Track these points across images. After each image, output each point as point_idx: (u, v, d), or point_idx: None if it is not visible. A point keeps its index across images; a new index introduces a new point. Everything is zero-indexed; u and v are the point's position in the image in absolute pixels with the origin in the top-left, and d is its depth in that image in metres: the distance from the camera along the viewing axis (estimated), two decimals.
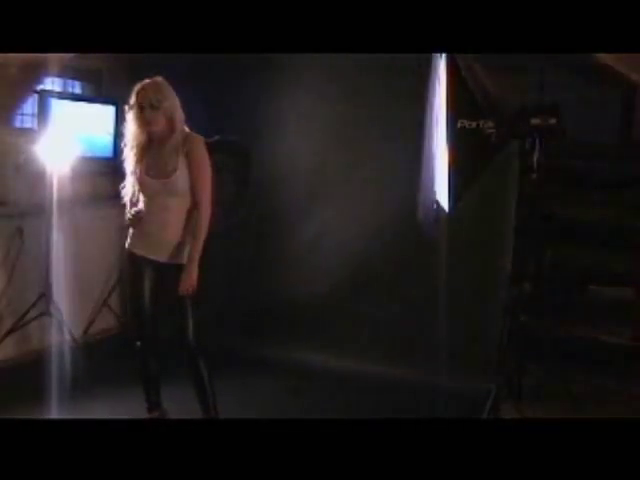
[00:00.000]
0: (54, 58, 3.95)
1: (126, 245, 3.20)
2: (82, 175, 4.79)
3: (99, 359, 4.54)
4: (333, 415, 3.54)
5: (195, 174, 3.03)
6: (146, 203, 3.09)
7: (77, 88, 5.04)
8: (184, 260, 3.05)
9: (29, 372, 4.16)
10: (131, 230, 3.18)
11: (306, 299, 4.50)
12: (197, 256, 3.02)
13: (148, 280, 3.15)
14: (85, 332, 4.76)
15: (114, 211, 4.91)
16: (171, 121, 3.02)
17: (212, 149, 3.13)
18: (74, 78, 4.92)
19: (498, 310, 3.77)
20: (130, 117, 3.06)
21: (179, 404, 3.34)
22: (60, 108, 4.42)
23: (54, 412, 3.42)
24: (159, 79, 3.06)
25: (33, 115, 4.51)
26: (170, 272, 3.07)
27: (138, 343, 3.27)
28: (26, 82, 4.06)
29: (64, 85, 4.90)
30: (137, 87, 3.05)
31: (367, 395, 4.00)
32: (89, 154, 4.74)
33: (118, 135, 4.82)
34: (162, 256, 3.10)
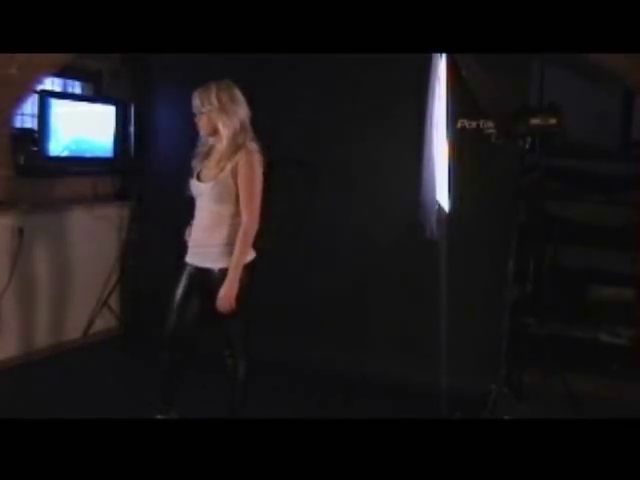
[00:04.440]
0: (54, 58, 3.95)
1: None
2: (82, 175, 4.80)
3: (99, 359, 4.55)
4: (332, 415, 3.54)
5: (241, 187, 2.98)
6: (195, 205, 3.12)
7: (77, 88, 5.05)
8: (218, 266, 3.02)
9: (29, 372, 4.17)
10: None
11: (305, 298, 4.50)
12: (236, 270, 2.97)
13: (184, 282, 3.15)
14: (85, 332, 4.77)
15: (114, 211, 4.96)
16: (216, 127, 3.00)
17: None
18: (74, 78, 4.93)
19: (498, 310, 3.77)
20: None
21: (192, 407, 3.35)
22: (60, 108, 4.42)
23: (54, 412, 3.42)
24: (214, 83, 3.00)
25: (33, 115, 4.51)
26: (205, 276, 3.07)
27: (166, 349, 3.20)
28: (26, 82, 4.06)
29: (64, 85, 4.91)
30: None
31: (367, 395, 4.00)
32: (89, 154, 4.75)
33: (118, 135, 4.87)
34: (197, 260, 3.11)
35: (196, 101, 3.01)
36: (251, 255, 3.11)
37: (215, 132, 3.03)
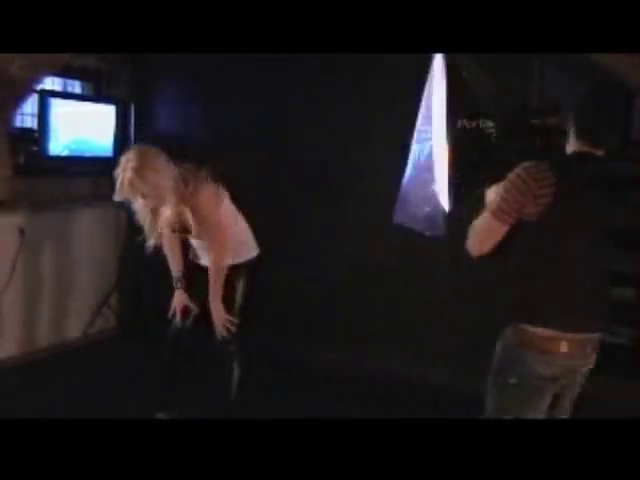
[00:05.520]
0: (54, 58, 3.95)
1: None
2: (82, 175, 4.80)
3: (99, 359, 4.55)
4: (332, 414, 3.54)
5: (204, 227, 3.05)
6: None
7: (77, 88, 5.04)
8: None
9: (29, 372, 4.17)
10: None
11: (306, 298, 4.50)
12: (217, 295, 3.09)
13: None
14: (85, 332, 4.77)
15: (114, 211, 4.96)
16: (158, 192, 2.92)
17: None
18: (74, 78, 4.92)
19: (498, 310, 3.77)
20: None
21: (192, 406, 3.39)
22: (60, 108, 4.42)
23: (54, 412, 3.42)
24: (131, 171, 2.84)
25: (33, 115, 4.51)
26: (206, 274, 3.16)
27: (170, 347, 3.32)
28: (26, 82, 4.06)
29: (64, 85, 4.91)
30: (123, 159, 2.90)
31: (366, 395, 4.00)
32: (89, 154, 4.75)
33: (118, 135, 4.86)
34: (199, 258, 3.23)
35: (137, 198, 2.93)
36: (251, 254, 3.16)
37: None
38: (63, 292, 4.61)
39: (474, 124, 4.03)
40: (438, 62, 3.55)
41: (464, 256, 3.94)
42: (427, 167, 3.71)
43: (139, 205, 3.00)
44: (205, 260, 3.17)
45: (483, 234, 2.32)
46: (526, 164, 2.24)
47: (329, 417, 3.39)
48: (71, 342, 4.65)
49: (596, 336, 2.21)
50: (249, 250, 3.23)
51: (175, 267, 3.27)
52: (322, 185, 4.50)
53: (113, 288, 4.95)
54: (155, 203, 2.95)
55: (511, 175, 2.27)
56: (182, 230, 3.11)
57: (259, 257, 3.26)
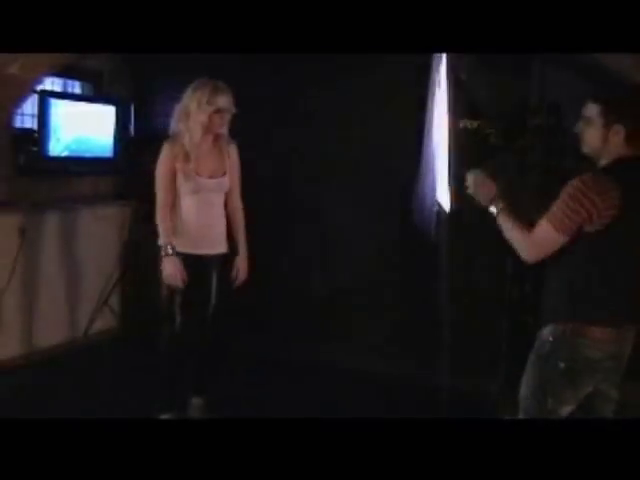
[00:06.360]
0: (54, 58, 3.95)
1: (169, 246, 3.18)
2: (83, 175, 4.81)
3: (99, 359, 4.55)
4: (332, 414, 3.54)
5: (235, 174, 3.33)
6: (191, 200, 3.22)
7: (77, 88, 5.04)
8: (225, 249, 3.32)
9: (29, 372, 4.17)
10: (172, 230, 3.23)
11: (305, 298, 4.50)
12: (246, 245, 3.36)
13: (198, 276, 3.26)
14: (85, 332, 4.77)
15: (115, 211, 4.96)
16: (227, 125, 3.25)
17: None
18: (74, 78, 4.92)
19: (498, 310, 3.77)
20: (200, 119, 3.14)
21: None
22: (60, 108, 4.42)
23: (54, 412, 3.42)
24: (219, 82, 3.21)
25: (33, 115, 4.51)
26: (214, 262, 3.30)
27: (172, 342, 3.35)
28: (26, 82, 4.06)
29: (64, 85, 4.91)
30: (211, 89, 3.15)
31: (367, 394, 4.00)
32: (89, 154, 4.75)
33: (118, 135, 4.86)
34: (208, 249, 3.29)
35: (230, 99, 3.19)
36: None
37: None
38: (63, 292, 4.61)
39: (474, 124, 4.04)
40: (439, 62, 3.56)
41: (464, 256, 3.97)
42: (428, 167, 3.72)
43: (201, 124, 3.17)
44: (213, 248, 3.28)
45: (543, 243, 2.31)
46: (584, 177, 2.24)
47: (329, 417, 3.40)
48: (71, 342, 4.65)
49: (637, 325, 2.37)
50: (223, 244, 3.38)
51: (166, 228, 3.17)
52: (322, 185, 4.50)
53: (113, 288, 4.94)
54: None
55: (569, 189, 2.23)
56: (212, 173, 3.24)
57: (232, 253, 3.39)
